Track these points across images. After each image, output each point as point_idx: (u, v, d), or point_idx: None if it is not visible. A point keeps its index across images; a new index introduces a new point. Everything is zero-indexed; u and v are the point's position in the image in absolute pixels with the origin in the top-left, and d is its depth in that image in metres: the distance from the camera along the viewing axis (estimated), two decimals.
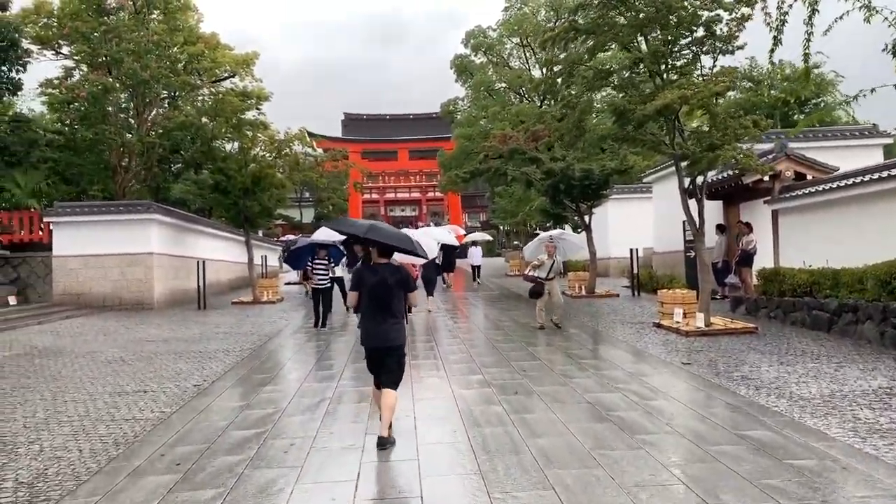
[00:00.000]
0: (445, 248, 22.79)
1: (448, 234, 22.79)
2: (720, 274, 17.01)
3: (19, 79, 24.32)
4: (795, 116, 30.08)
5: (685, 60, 13.15)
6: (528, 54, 40.96)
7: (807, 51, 6.37)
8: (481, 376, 9.39)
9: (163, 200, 27.44)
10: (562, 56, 16.21)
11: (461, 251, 30.82)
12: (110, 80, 27.45)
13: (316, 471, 5.72)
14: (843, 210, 13.45)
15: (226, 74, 33.03)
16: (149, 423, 7.45)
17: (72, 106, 28.56)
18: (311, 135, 34.08)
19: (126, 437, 6.90)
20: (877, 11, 6.29)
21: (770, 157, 15.35)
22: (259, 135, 24.41)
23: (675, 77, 13.10)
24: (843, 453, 5.72)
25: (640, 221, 25.28)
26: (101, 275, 20.87)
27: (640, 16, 12.67)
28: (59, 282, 20.82)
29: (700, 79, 12.87)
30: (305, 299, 21.37)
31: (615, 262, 28.20)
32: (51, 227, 21.31)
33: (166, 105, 31.72)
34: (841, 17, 6.15)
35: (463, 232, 37.27)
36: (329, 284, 15.60)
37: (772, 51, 6.69)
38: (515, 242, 52.32)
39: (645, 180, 25.63)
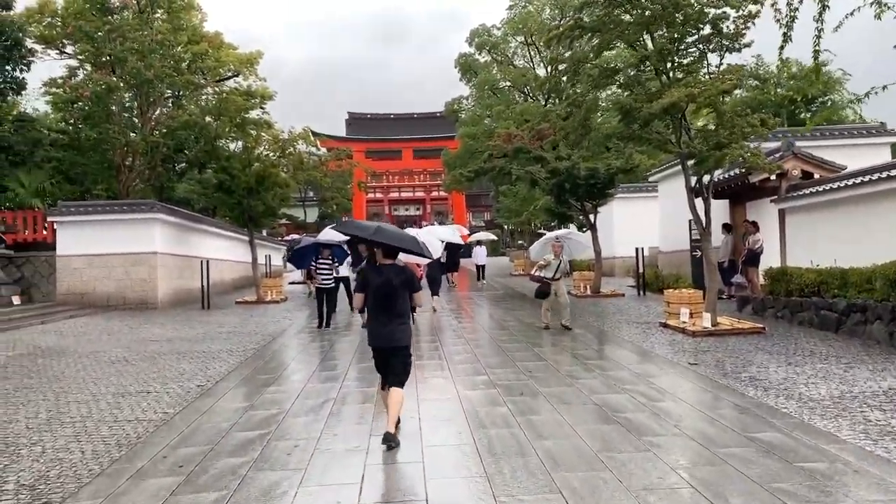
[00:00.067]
0: (449, 248, 22.75)
1: (453, 232, 22.78)
2: (726, 273, 16.91)
3: (23, 78, 24.42)
4: (802, 115, 29.94)
5: (691, 58, 13.04)
6: (532, 53, 40.87)
7: (817, 48, 6.29)
8: (486, 377, 9.32)
9: (167, 200, 27.44)
10: (567, 54, 16.14)
11: (465, 250, 30.75)
12: (114, 79, 27.43)
13: (320, 473, 5.66)
14: (851, 209, 13.34)
15: (229, 74, 33.02)
16: (152, 424, 7.39)
17: (76, 105, 28.56)
18: (315, 134, 34.07)
19: (129, 439, 6.84)
20: (888, 8, 6.20)
21: (777, 155, 15.24)
22: (263, 134, 24.40)
23: (681, 75, 13.01)
24: (854, 456, 5.64)
25: (646, 220, 25.16)
26: (105, 274, 20.84)
27: (646, 13, 12.57)
28: (62, 281, 20.80)
29: (707, 77, 12.77)
30: (308, 300, 21.29)
31: (620, 261, 28.10)
32: (55, 227, 21.28)
33: (170, 104, 31.71)
34: (852, 14, 6.06)
35: (467, 232, 37.23)
36: (333, 284, 15.52)
37: (781, 47, 6.60)
38: (520, 242, 52.28)
39: (650, 179, 25.52)
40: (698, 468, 5.47)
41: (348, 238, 9.47)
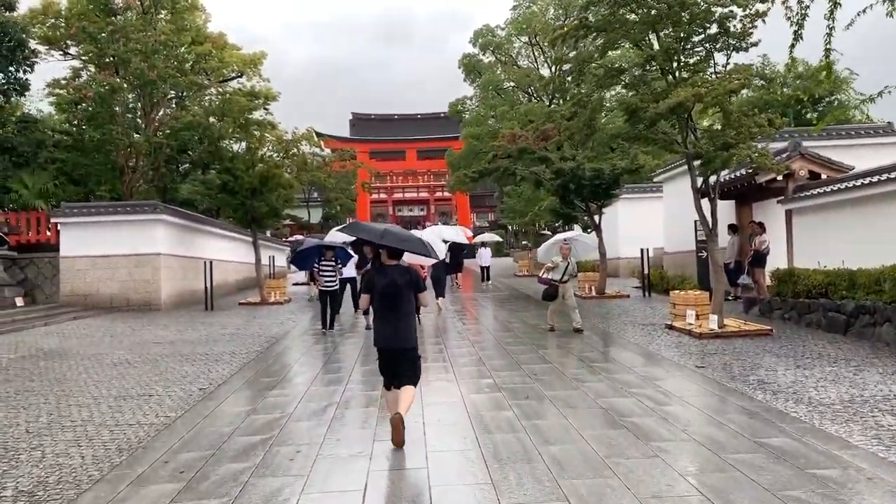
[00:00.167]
0: (453, 248, 22.65)
1: (457, 233, 22.72)
2: (732, 274, 16.77)
3: (27, 79, 24.33)
4: (808, 115, 29.77)
5: (698, 58, 12.94)
6: (536, 53, 40.82)
7: (828, 46, 6.18)
8: (491, 380, 9.22)
9: (170, 201, 27.39)
10: (572, 54, 16.03)
11: (468, 251, 30.69)
12: (118, 80, 27.42)
13: (323, 479, 5.57)
14: (859, 210, 13.21)
15: (233, 74, 33.02)
16: (153, 428, 7.31)
17: (79, 106, 28.55)
18: (318, 135, 34.08)
19: (129, 443, 6.76)
20: None
21: (784, 156, 15.11)
22: (267, 135, 24.37)
23: (687, 75, 12.90)
24: (867, 462, 5.53)
25: (651, 221, 25.04)
26: (109, 276, 20.80)
27: (652, 12, 12.47)
28: (66, 283, 20.76)
29: (713, 76, 12.66)
30: (310, 303, 21.18)
31: (625, 262, 27.98)
32: (58, 228, 21.25)
33: (174, 105, 31.70)
34: (864, 11, 5.95)
35: (471, 233, 37.18)
36: (336, 287, 15.41)
37: (792, 46, 6.49)
38: (524, 242, 52.16)
39: (655, 179, 25.39)
40: (707, 475, 5.36)
41: (353, 239, 9.42)
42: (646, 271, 20.92)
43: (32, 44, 25.31)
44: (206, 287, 20.96)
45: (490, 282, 29.20)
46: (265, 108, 26.67)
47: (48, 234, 22.69)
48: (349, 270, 16.80)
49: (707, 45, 12.68)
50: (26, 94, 26.07)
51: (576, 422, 6.93)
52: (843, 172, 14.90)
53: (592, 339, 12.79)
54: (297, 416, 7.60)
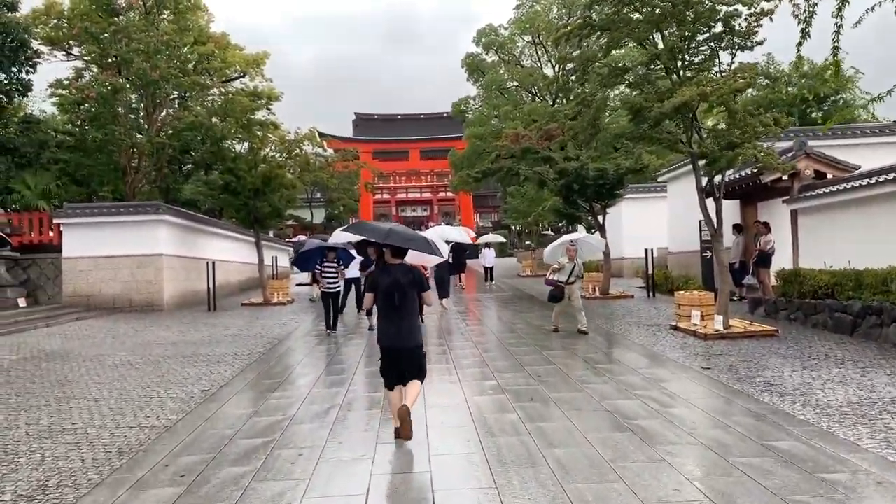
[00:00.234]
0: (455, 249, 22.59)
1: (460, 233, 22.66)
2: (737, 275, 16.68)
3: (29, 80, 24.27)
4: (813, 114, 29.63)
5: (703, 57, 12.84)
6: (540, 52, 40.76)
7: (836, 44, 6.09)
8: (495, 382, 9.15)
9: (173, 201, 27.34)
10: (576, 53, 15.94)
11: (471, 252, 30.62)
12: (120, 80, 27.38)
13: (324, 483, 5.50)
14: (866, 209, 13.10)
15: (236, 74, 32.95)
16: (154, 431, 7.25)
17: (82, 107, 28.50)
18: (321, 135, 34.02)
19: (130, 446, 6.70)
20: None
21: (789, 155, 15.01)
22: (269, 135, 24.32)
23: (692, 74, 12.81)
24: (877, 466, 5.45)
25: (655, 221, 24.95)
26: (111, 276, 20.76)
27: (657, 11, 12.37)
28: (68, 283, 20.73)
29: (718, 75, 12.56)
30: (313, 304, 21.10)
31: (629, 262, 27.92)
32: (61, 229, 21.21)
33: (176, 105, 31.64)
34: (872, 9, 5.86)
35: (474, 234, 37.14)
36: (339, 288, 15.32)
37: (800, 44, 6.40)
38: (528, 242, 52.07)
39: (660, 179, 25.29)
40: (714, 479, 5.29)
41: (355, 239, 9.37)
42: (650, 271, 20.83)
43: (35, 44, 25.25)
44: (208, 288, 20.92)
45: (494, 282, 29.14)
46: (268, 108, 26.55)
47: (51, 234, 22.66)
48: (353, 271, 16.71)
49: (712, 43, 12.57)
50: (29, 94, 26.01)
51: (580, 424, 6.85)
52: (848, 172, 14.80)
53: (597, 340, 12.70)
54: (300, 419, 7.53)
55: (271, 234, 36.89)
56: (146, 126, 29.67)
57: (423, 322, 13.52)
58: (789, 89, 30.41)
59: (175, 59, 28.62)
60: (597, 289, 21.04)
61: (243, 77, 32.96)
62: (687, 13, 12.12)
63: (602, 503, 4.86)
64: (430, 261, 7.70)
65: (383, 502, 5.12)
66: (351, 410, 7.86)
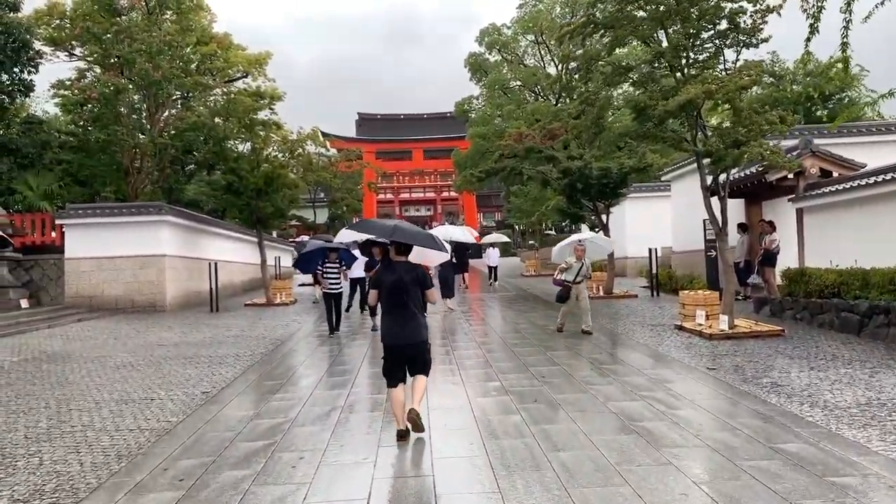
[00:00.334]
0: (458, 248, 22.51)
1: (463, 233, 22.59)
2: (742, 274, 16.56)
3: (31, 80, 24.29)
4: (819, 112, 29.46)
5: (707, 54, 12.74)
6: (542, 52, 40.67)
7: (845, 39, 6.00)
8: (499, 383, 9.06)
9: (175, 202, 27.31)
10: (579, 52, 15.83)
11: (474, 251, 30.56)
12: (123, 80, 27.38)
13: (326, 487, 5.41)
14: (872, 208, 12.99)
15: (238, 74, 32.92)
16: (154, 433, 7.17)
17: (84, 107, 28.50)
18: (324, 135, 33.97)
19: (129, 450, 6.62)
20: None
21: (795, 153, 14.90)
22: (272, 135, 24.27)
23: (696, 72, 12.70)
24: (888, 470, 5.34)
25: (658, 220, 24.85)
26: (114, 277, 20.71)
27: (661, 8, 12.29)
28: (71, 284, 20.68)
29: (723, 73, 12.46)
30: (316, 305, 21.01)
31: (632, 261, 27.81)
32: (63, 230, 21.17)
33: (179, 106, 31.63)
34: (882, 3, 5.76)
35: (478, 234, 37.11)
36: (341, 289, 15.20)
37: (808, 39, 6.29)
38: (531, 242, 52.00)
39: (664, 178, 25.18)
40: (722, 482, 5.19)
41: (356, 240, 9.32)
42: (654, 271, 20.73)
43: (37, 45, 25.25)
44: (211, 288, 20.86)
45: (497, 282, 29.05)
46: (270, 109, 26.48)
47: (53, 235, 22.61)
48: (358, 271, 16.62)
49: (717, 41, 12.48)
50: (31, 95, 26.03)
51: (585, 426, 6.76)
52: (854, 170, 14.68)
53: (601, 341, 12.60)
54: (301, 421, 7.45)
55: (274, 234, 36.82)
56: (149, 126, 29.66)
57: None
58: (794, 87, 30.24)
59: (177, 59, 28.60)
60: (600, 288, 20.93)
61: (246, 77, 32.96)
62: (691, 10, 12.04)
63: None
64: (433, 259, 7.64)
65: None
66: (353, 413, 7.78)
